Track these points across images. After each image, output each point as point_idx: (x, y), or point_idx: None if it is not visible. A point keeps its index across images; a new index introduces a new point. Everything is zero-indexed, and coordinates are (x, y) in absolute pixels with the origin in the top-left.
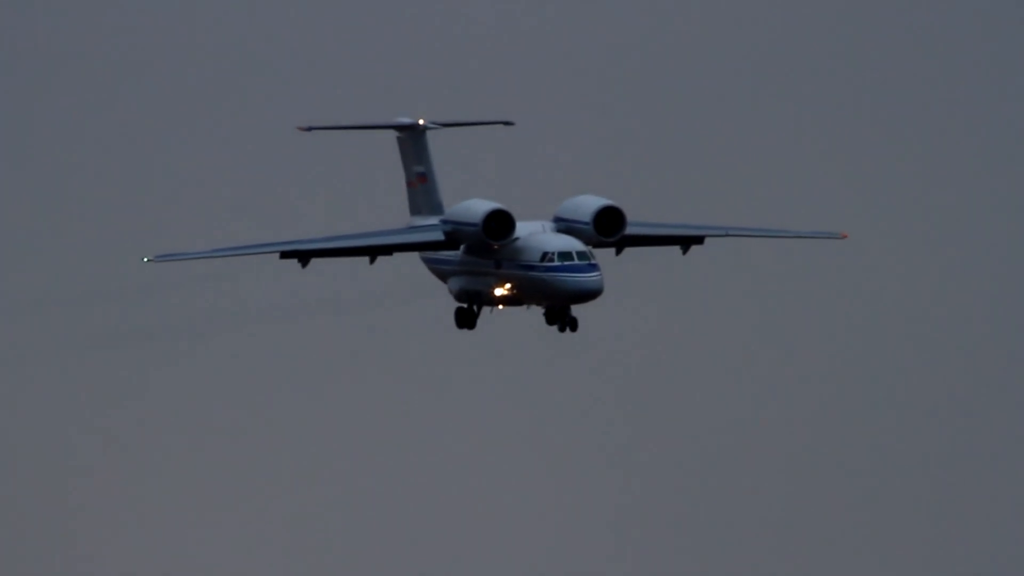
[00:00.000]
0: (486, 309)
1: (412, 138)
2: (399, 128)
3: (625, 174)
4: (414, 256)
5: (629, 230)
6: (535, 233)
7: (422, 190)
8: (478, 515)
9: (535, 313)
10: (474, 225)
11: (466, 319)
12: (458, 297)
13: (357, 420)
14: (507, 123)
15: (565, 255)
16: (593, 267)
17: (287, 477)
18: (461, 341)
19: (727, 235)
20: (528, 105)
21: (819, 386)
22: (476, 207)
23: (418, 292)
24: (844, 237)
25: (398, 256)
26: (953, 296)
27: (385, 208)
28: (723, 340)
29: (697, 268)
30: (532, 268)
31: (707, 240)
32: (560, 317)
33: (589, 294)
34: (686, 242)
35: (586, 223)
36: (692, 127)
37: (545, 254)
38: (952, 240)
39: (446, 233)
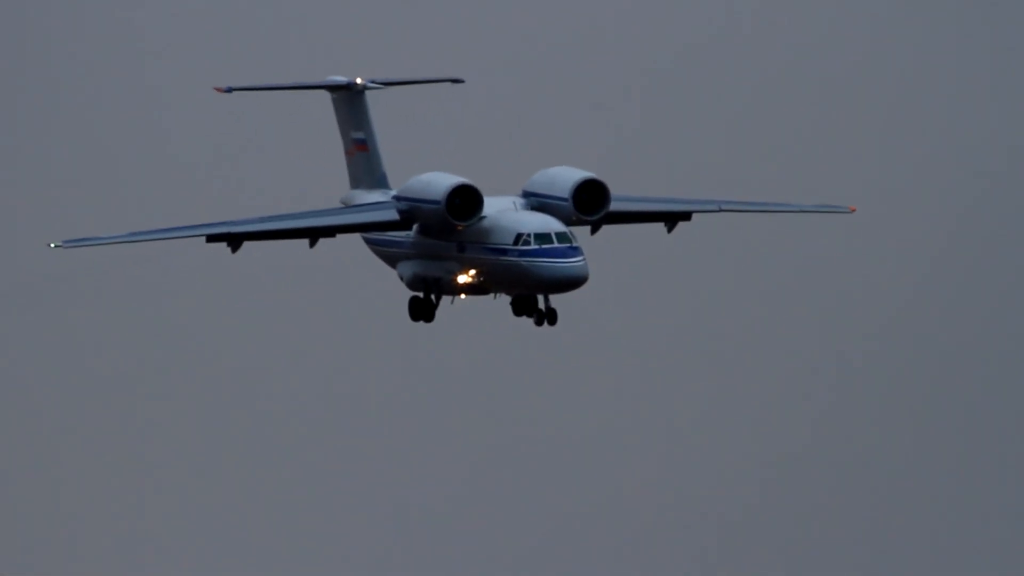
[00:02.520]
0: (445, 298)
1: (348, 100)
2: (332, 88)
3: (598, 141)
4: (355, 236)
5: (610, 206)
6: (506, 211)
7: (362, 160)
8: (434, 535)
9: (504, 302)
10: (435, 203)
11: (423, 310)
12: (411, 285)
13: (306, 426)
14: (456, 80)
15: (543, 237)
16: (575, 251)
17: (218, 489)
18: (418, 335)
19: (720, 210)
20: (480, 60)
21: (828, 377)
22: (437, 182)
23: (363, 278)
24: (852, 211)
25: (340, 237)
26: (968, 275)
27: (321, 181)
28: (718, 330)
29: (685, 248)
30: (504, 252)
31: (695, 216)
32: (532, 308)
33: (572, 282)
34: (672, 219)
35: (564, 199)
36: (677, 87)
37: (519, 236)
38: (969, 212)
39: (401, 212)
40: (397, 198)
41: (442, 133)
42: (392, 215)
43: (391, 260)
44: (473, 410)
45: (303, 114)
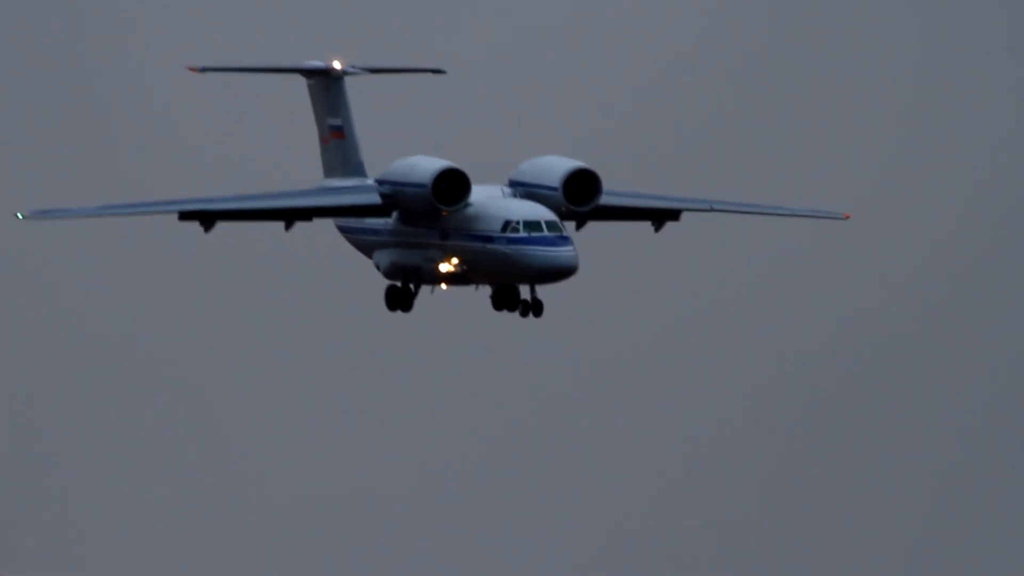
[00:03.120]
0: (425, 288)
1: (325, 85)
2: (309, 73)
3: (584, 136)
4: (329, 224)
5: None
6: (493, 198)
7: (337, 147)
8: (407, 532)
9: (485, 293)
10: (421, 186)
11: (400, 299)
12: (389, 273)
13: (276, 417)
14: (437, 71)
15: (532, 225)
16: (565, 240)
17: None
18: (395, 325)
19: (711, 210)
20: (464, 49)
21: (819, 391)
22: (423, 165)
23: (337, 266)
24: (847, 218)
25: (315, 223)
26: (963, 287)
27: (293, 168)
28: (704, 329)
29: (675, 245)
30: (490, 240)
31: (684, 216)
32: (514, 301)
33: (561, 272)
34: (660, 217)
35: (554, 188)
36: (667, 82)
37: (508, 223)
38: (965, 223)
39: (383, 196)
40: (379, 181)
41: (422, 123)
42: (374, 199)
43: (367, 248)
44: (452, 402)
45: (278, 98)
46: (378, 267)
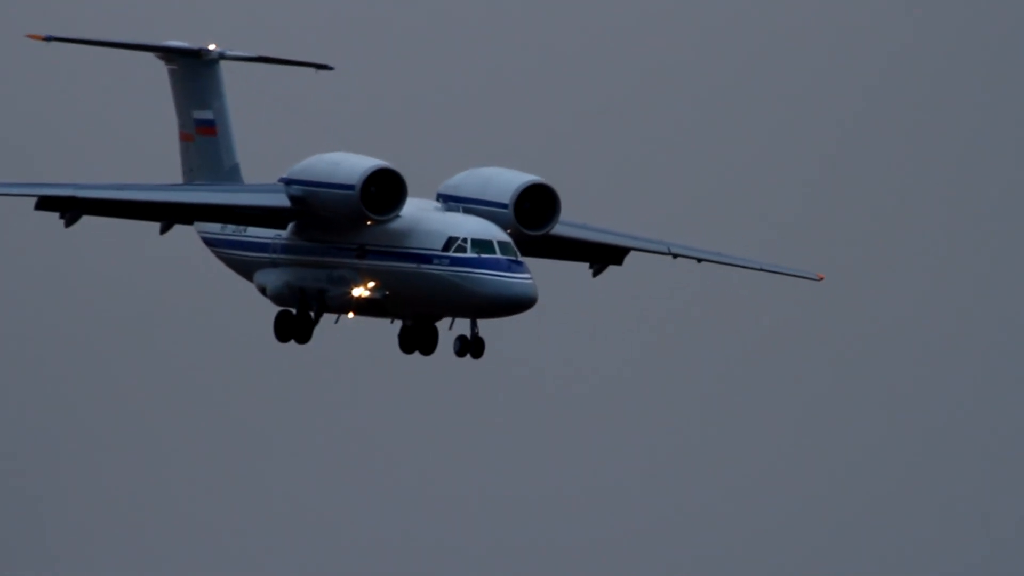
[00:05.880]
0: (328, 317)
1: (193, 71)
2: (170, 54)
3: (501, 152)
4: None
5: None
6: (428, 211)
7: (205, 146)
8: None
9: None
10: (347, 188)
11: (295, 328)
12: (279, 298)
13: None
14: (323, 67)
15: (483, 245)
16: (520, 266)
17: None
18: (289, 357)
19: (669, 253)
20: (355, 46)
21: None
22: (350, 162)
23: (211, 284)
24: (820, 279)
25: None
26: (940, 357)
27: (142, 167)
28: (670, 374)
29: (621, 287)
30: (427, 260)
31: (628, 260)
32: (431, 341)
33: (517, 304)
34: (605, 258)
35: (503, 205)
36: (596, 100)
37: (452, 240)
38: (943, 290)
39: (293, 198)
40: (288, 181)
41: (305, 126)
42: (280, 200)
43: (245, 267)
44: (363, 449)
45: (133, 82)
46: (263, 290)
